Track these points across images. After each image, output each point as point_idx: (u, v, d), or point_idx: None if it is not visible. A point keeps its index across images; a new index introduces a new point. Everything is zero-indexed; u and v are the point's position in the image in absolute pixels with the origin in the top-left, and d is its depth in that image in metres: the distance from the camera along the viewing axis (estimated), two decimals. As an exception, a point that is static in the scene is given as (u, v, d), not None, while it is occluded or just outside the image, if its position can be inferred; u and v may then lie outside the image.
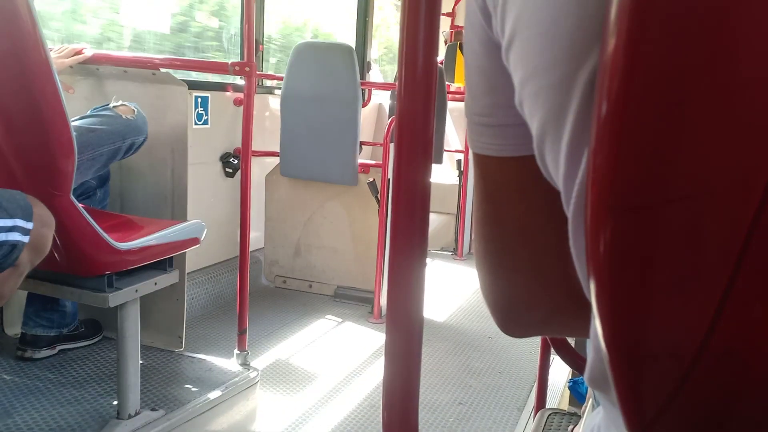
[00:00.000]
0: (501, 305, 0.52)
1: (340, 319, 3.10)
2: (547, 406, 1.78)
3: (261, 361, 2.54)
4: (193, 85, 2.72)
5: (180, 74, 2.47)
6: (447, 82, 4.19)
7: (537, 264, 0.49)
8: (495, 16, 0.41)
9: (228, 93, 3.07)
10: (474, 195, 0.50)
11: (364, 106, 3.77)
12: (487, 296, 0.53)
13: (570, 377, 1.91)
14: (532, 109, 0.39)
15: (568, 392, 1.96)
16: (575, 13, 0.34)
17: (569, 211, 0.39)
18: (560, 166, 0.38)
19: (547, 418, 1.68)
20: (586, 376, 0.42)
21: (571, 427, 1.60)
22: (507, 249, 0.50)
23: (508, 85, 0.42)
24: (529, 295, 0.50)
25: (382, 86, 4.67)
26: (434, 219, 4.39)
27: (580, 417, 1.64)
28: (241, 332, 2.11)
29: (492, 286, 0.52)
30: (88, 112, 1.81)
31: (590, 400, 0.81)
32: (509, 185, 0.48)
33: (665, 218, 0.28)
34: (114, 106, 1.83)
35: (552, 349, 1.29)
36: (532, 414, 1.89)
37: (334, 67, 3.02)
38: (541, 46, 0.37)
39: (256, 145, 2.31)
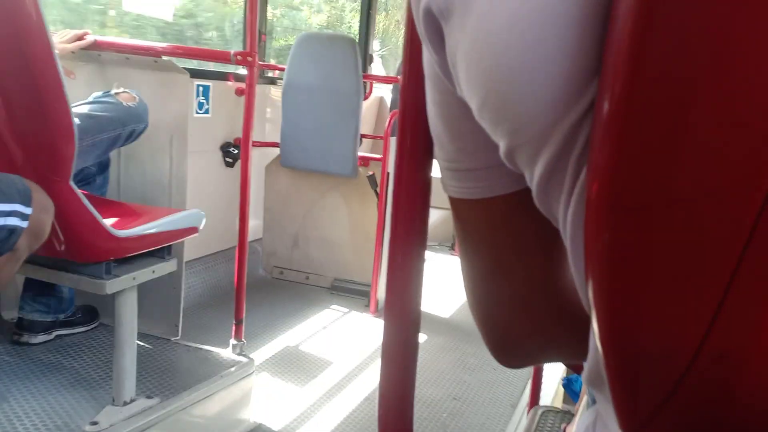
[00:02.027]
0: (493, 340, 0.52)
1: (336, 312, 3.10)
2: (541, 403, 1.79)
3: (257, 351, 2.54)
4: (194, 74, 2.71)
5: (182, 63, 2.46)
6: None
7: (522, 298, 0.49)
8: (455, 77, 0.39)
9: (229, 82, 3.06)
10: (455, 233, 0.50)
11: (365, 99, 3.76)
12: (480, 330, 0.53)
13: (564, 375, 1.91)
14: (530, 158, 0.37)
15: (562, 390, 1.97)
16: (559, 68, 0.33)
17: (569, 211, 0.38)
18: (564, 191, 0.37)
19: (541, 415, 1.68)
20: (584, 376, 0.42)
21: (564, 425, 1.60)
22: (491, 285, 0.50)
23: (473, 131, 0.41)
24: (519, 328, 0.50)
25: (384, 79, 4.66)
26: (432, 213, 4.37)
27: (573, 415, 1.64)
28: (238, 322, 2.11)
29: (482, 321, 0.52)
30: (90, 98, 1.80)
31: (584, 398, 0.81)
32: (482, 224, 0.47)
33: (666, 219, 0.28)
34: (115, 93, 1.82)
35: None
36: (526, 411, 1.89)
37: (337, 59, 3.01)
38: (517, 110, 0.35)
39: (256, 135, 2.31)
